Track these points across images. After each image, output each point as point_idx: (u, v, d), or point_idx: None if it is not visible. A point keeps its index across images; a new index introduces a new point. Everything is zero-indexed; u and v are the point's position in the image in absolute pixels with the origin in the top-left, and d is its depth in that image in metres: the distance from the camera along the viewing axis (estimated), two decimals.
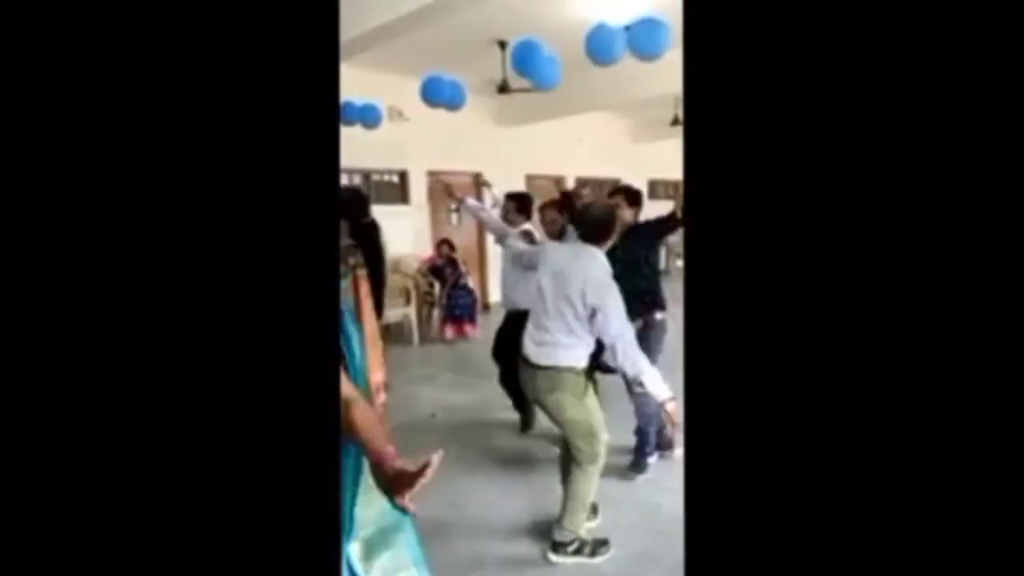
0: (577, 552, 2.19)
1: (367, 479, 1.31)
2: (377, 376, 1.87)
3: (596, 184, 7.72)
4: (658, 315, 2.75)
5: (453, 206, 3.07)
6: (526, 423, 3.38)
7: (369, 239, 3.22)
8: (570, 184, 8.33)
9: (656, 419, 2.76)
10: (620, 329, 1.99)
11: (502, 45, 4.93)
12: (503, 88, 5.03)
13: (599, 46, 2.95)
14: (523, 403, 3.30)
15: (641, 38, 2.84)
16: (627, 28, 2.90)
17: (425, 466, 0.97)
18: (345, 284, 2.05)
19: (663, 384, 1.99)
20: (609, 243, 2.18)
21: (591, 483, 2.17)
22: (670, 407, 1.98)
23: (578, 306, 2.03)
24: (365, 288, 2.11)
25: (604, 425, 2.19)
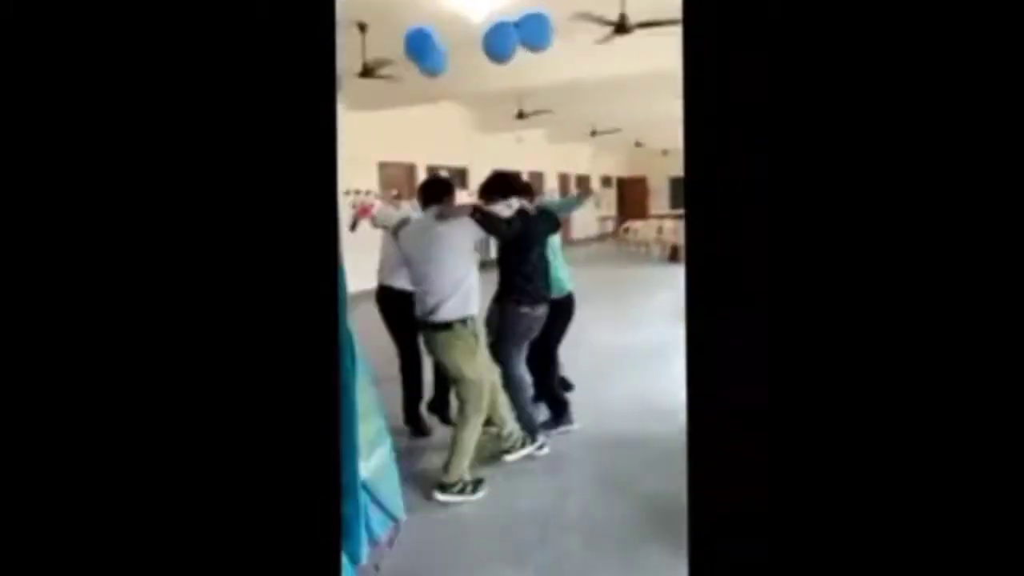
0: (461, 492, 2.46)
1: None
2: None
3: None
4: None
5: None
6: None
7: None
8: (421, 173, 8.27)
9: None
10: None
11: (362, 28, 4.75)
12: (366, 72, 4.85)
13: (497, 42, 2.99)
14: None
15: (531, 32, 2.93)
16: (517, 25, 2.96)
17: None
18: None
19: None
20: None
21: (476, 432, 2.51)
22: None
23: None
24: None
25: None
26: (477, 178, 9.29)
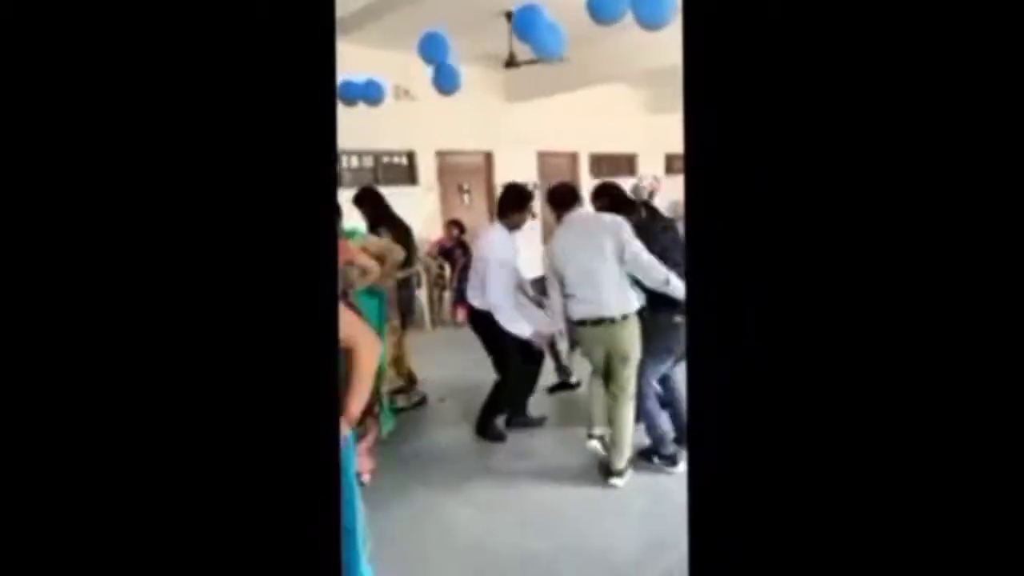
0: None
1: None
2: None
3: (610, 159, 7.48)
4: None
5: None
6: None
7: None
8: (584, 161, 8.15)
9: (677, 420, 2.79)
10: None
11: (509, 16, 4.76)
12: (510, 62, 4.87)
13: (601, 2, 2.83)
14: None
15: (645, 2, 2.71)
16: None
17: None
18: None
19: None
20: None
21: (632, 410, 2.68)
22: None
23: None
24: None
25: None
26: (647, 164, 9.01)
